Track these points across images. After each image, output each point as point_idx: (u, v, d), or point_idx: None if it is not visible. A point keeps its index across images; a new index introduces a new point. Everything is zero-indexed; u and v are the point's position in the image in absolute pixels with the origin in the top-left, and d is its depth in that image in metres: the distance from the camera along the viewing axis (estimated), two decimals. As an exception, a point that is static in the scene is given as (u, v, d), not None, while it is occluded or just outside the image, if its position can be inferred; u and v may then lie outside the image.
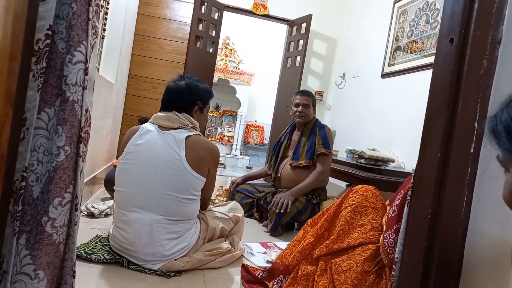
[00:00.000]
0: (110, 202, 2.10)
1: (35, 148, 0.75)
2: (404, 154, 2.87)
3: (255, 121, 6.36)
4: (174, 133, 1.46)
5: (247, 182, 2.66)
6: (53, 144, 0.76)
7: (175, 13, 3.84)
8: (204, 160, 1.48)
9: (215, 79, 5.39)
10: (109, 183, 2.26)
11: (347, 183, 2.91)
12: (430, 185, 0.90)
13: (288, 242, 1.62)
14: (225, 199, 2.68)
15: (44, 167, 0.76)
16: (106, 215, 2.03)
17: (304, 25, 4.10)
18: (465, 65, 0.86)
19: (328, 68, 4.46)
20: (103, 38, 2.73)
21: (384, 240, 1.12)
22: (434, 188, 0.89)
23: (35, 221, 0.75)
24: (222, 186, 2.95)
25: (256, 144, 6.24)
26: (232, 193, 2.57)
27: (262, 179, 2.96)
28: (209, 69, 4.00)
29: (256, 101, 6.30)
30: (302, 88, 3.90)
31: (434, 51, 1.00)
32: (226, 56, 5.94)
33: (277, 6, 4.23)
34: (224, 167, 5.14)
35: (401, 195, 1.11)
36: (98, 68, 2.70)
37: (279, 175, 2.52)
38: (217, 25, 4.04)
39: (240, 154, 5.85)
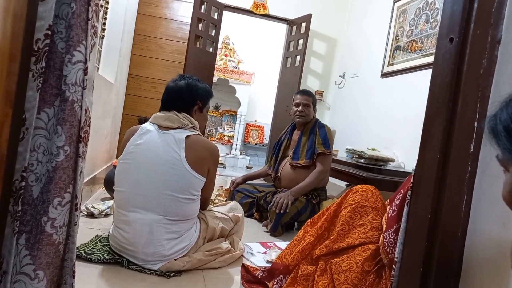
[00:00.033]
0: (110, 202, 2.10)
1: (34, 148, 0.75)
2: (404, 154, 2.87)
3: (255, 120, 6.36)
4: (174, 133, 1.46)
5: (247, 182, 2.66)
6: (52, 144, 0.76)
7: (174, 12, 3.84)
8: (204, 160, 1.48)
9: (215, 78, 5.39)
10: (109, 183, 2.26)
11: (347, 183, 2.91)
12: (430, 184, 0.90)
13: (288, 242, 1.62)
14: (225, 199, 2.68)
15: (43, 167, 0.76)
16: (106, 215, 2.03)
17: (304, 24, 4.10)
18: (464, 64, 0.86)
19: (328, 67, 4.46)
20: (102, 38, 2.72)
21: (384, 240, 1.12)
22: (434, 187, 0.89)
23: (35, 221, 0.75)
24: (222, 186, 2.95)
25: (256, 144, 6.24)
26: (232, 193, 2.57)
27: (262, 178, 2.96)
28: (209, 69, 4.00)
29: (256, 101, 6.30)
30: (302, 87, 3.90)
31: (434, 51, 1.00)
32: (226, 55, 5.93)
33: (276, 5, 4.23)
34: (224, 167, 5.14)
35: (401, 194, 1.10)
36: (98, 68, 2.70)
37: (279, 174, 2.52)
38: (217, 24, 4.04)
39: (240, 154, 5.85)
